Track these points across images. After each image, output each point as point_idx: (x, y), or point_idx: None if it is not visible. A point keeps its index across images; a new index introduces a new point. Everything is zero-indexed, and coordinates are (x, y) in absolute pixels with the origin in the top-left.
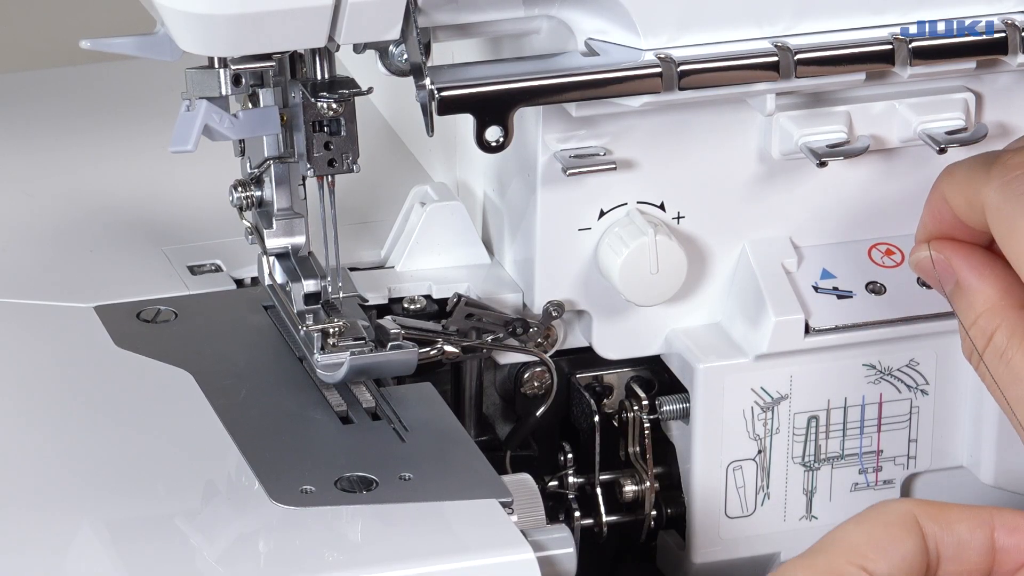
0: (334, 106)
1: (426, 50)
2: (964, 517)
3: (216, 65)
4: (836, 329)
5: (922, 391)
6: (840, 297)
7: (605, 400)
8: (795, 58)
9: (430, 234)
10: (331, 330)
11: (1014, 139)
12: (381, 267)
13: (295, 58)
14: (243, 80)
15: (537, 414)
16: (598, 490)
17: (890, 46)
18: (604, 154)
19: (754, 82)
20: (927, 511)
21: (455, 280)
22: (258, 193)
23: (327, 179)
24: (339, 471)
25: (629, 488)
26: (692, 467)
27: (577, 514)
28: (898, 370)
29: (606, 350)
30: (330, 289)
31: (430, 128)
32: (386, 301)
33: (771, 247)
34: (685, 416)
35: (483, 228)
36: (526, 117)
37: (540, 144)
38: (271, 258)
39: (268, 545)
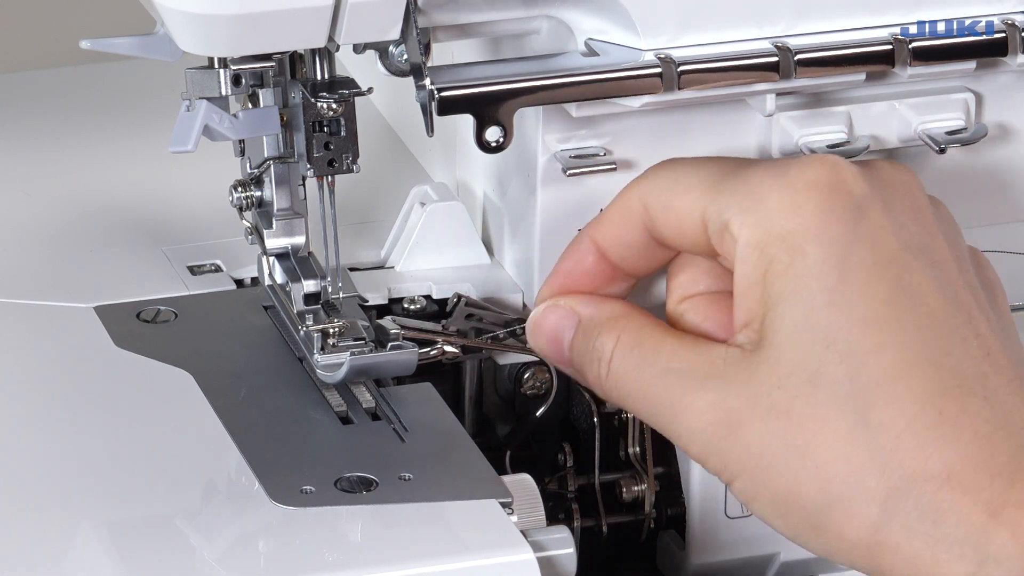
0: (334, 106)
1: (426, 50)
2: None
3: (216, 65)
4: None
5: None
6: None
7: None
8: (795, 58)
9: (430, 234)
10: (331, 330)
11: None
12: (381, 267)
13: (295, 58)
14: (243, 80)
15: (537, 414)
16: (598, 490)
17: (890, 46)
18: (604, 154)
19: (754, 82)
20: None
21: (455, 280)
22: (258, 193)
23: (327, 179)
24: (339, 471)
25: (629, 488)
26: (692, 467)
27: (577, 514)
28: None
29: None
30: (330, 289)
31: (430, 128)
32: (386, 301)
33: None
34: None
35: (483, 228)
36: (526, 117)
37: (540, 144)
38: (271, 258)
39: (268, 545)
